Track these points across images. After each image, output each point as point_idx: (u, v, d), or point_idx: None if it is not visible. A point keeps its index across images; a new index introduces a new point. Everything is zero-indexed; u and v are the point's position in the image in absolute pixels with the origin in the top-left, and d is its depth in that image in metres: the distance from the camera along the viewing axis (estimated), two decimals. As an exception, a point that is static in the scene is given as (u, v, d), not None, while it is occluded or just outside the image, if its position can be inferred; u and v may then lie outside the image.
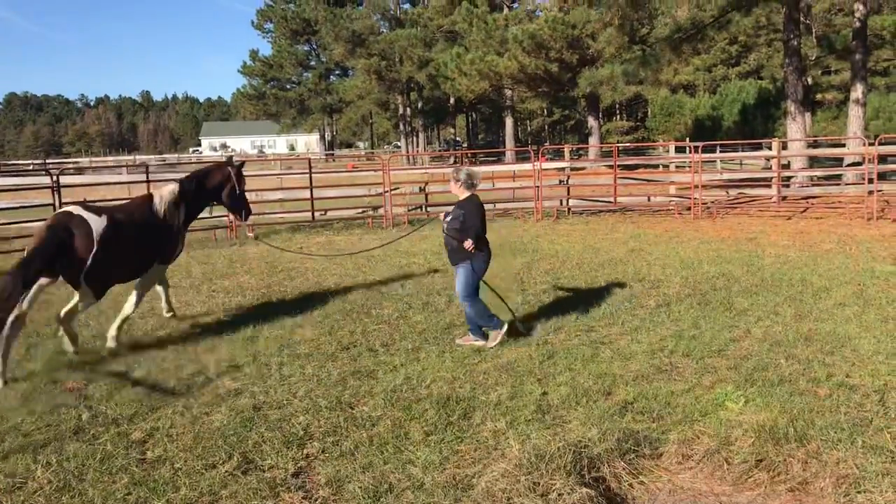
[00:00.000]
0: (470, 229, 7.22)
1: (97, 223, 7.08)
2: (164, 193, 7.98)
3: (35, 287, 6.79)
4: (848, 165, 22.47)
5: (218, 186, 8.49)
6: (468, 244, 7.18)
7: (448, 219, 7.49)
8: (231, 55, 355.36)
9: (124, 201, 9.52)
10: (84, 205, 7.64)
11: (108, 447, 5.13)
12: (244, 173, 8.73)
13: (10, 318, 6.53)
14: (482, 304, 7.44)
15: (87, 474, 4.74)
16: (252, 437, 5.22)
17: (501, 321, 7.47)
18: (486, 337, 7.41)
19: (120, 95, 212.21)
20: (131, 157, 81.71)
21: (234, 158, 9.09)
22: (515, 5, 47.89)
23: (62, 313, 7.22)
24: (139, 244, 7.59)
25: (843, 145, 25.61)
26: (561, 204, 20.07)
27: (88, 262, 6.94)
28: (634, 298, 9.22)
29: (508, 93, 50.53)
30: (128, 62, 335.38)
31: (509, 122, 54.19)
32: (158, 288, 8.52)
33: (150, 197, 8.07)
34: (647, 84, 38.48)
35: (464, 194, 7.50)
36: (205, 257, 13.75)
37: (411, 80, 59.56)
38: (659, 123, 59.86)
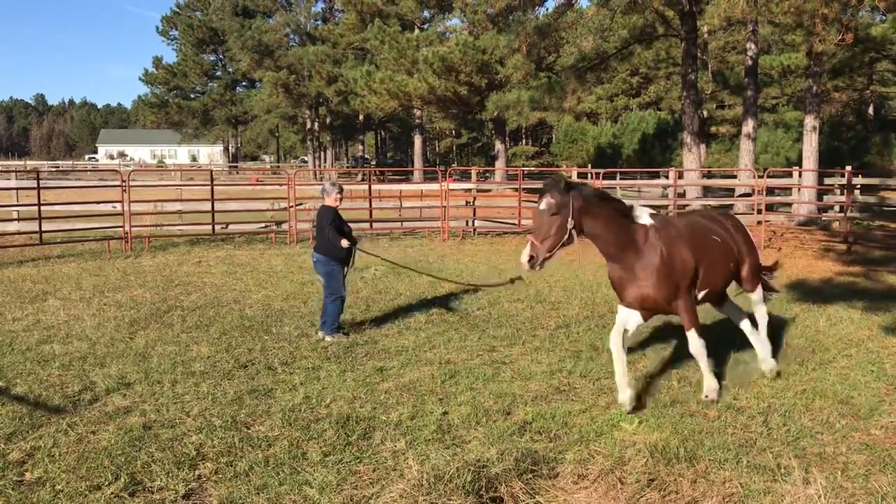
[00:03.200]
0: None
1: None
2: None
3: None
4: (739, 196, 23.55)
5: None
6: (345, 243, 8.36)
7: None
8: (133, 62, 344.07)
9: None
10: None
11: (-17, 468, 4.82)
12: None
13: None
14: (340, 306, 8.54)
15: (-43, 498, 4.43)
16: (141, 458, 5.01)
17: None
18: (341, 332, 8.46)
19: (11, 97, 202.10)
20: (22, 163, 77.92)
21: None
22: (427, 26, 48.32)
23: None
24: None
25: (735, 177, 26.86)
26: (467, 224, 20.26)
27: None
28: (535, 319, 9.36)
29: (418, 113, 50.85)
30: (21, 62, 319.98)
31: (418, 141, 54.45)
32: None
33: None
34: (552, 110, 39.49)
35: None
36: (97, 269, 13.19)
37: (320, 95, 59.10)
38: (563, 149, 61.38)
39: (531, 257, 5.73)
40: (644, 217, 6.21)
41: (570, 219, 5.76)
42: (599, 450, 5.20)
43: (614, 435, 5.47)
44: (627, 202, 6.35)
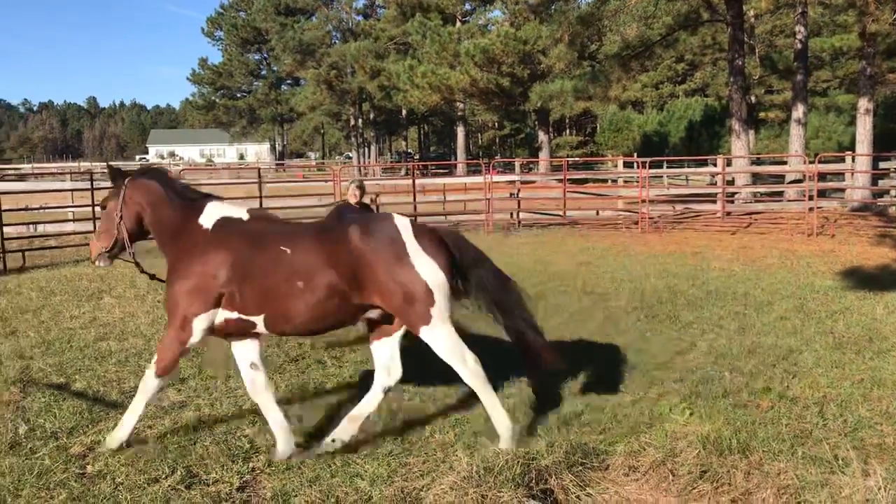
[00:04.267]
0: None
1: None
2: None
3: None
4: (789, 183, 23.10)
5: None
6: None
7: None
8: (180, 63, 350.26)
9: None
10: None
11: (47, 461, 4.97)
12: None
13: None
14: None
15: (23, 490, 4.58)
16: (196, 451, 5.11)
17: None
18: None
19: (65, 101, 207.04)
20: (76, 164, 79.86)
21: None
22: (468, 19, 48.22)
23: None
24: None
25: (785, 163, 26.33)
26: (511, 217, 20.22)
27: None
28: (583, 311, 9.31)
29: (460, 105, 50.80)
30: (74, 67, 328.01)
31: (461, 134, 54.41)
32: None
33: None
34: (596, 100, 39.08)
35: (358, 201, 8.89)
36: (149, 267, 13.45)
37: (363, 91, 59.44)
38: (607, 139, 60.73)
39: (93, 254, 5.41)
40: (213, 215, 5.17)
41: (117, 212, 5.24)
42: (650, 442, 5.15)
43: (665, 427, 5.41)
44: (212, 197, 5.33)
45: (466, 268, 5.34)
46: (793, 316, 8.82)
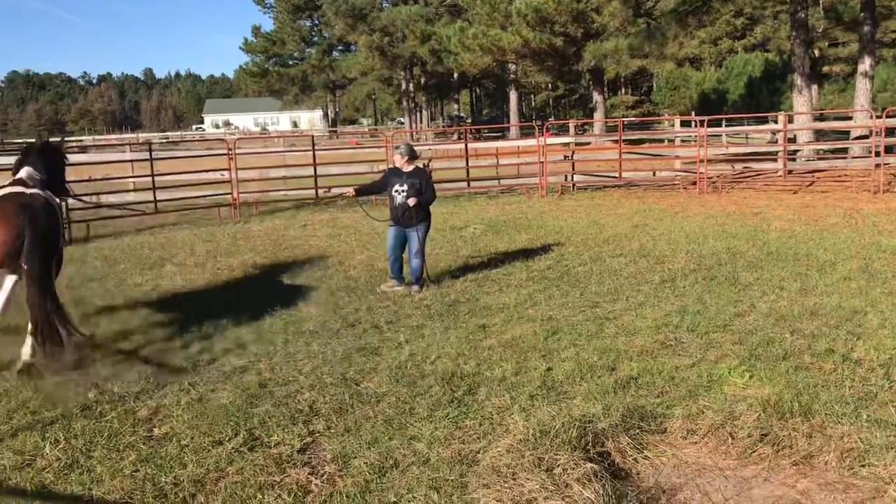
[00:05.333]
0: (426, 193, 8.81)
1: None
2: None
3: None
4: (855, 139, 22.32)
5: None
6: (412, 201, 8.63)
7: (403, 188, 8.77)
8: (234, 31, 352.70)
9: None
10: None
11: (115, 424, 5.16)
12: None
13: None
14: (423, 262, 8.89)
15: (94, 451, 4.76)
16: (258, 414, 5.24)
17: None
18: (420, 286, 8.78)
19: (123, 73, 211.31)
20: (134, 136, 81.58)
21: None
22: (519, -21, 47.42)
23: None
24: None
25: (851, 118, 25.43)
26: (566, 179, 20.01)
27: None
28: (639, 274, 9.21)
29: (512, 67, 50.20)
30: (130, 39, 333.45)
31: (513, 96, 53.88)
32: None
33: None
34: (652, 58, 38.13)
35: (410, 166, 8.90)
36: (209, 235, 13.76)
37: (414, 55, 59.11)
38: (664, 98, 59.47)
39: None
40: None
41: None
42: (709, 405, 5.10)
43: (724, 389, 5.35)
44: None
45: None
46: (857, 276, 8.58)
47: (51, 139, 8.24)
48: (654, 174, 20.95)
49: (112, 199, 17.25)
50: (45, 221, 6.19)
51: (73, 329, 6.39)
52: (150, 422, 5.24)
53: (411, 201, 8.66)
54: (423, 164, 20.25)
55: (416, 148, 9.60)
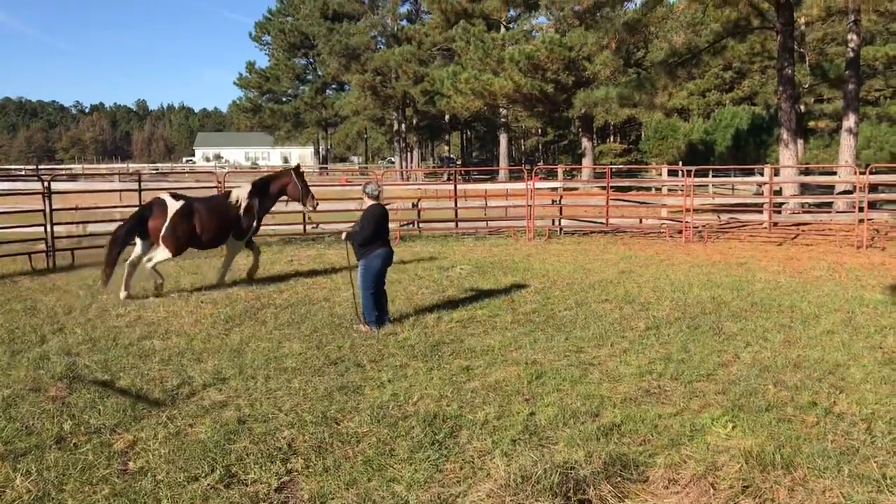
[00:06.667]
0: (361, 231, 8.71)
1: (173, 204, 10.88)
2: (237, 191, 11.71)
3: (139, 243, 11.01)
4: (839, 193, 22.61)
5: (283, 185, 12.08)
6: (343, 235, 9.03)
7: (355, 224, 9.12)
8: (228, 67, 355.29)
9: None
10: (170, 192, 11.41)
11: (90, 457, 5.07)
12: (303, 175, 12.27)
13: (128, 266, 10.75)
14: (370, 300, 8.71)
15: (67, 484, 4.67)
16: (235, 451, 5.17)
17: (379, 321, 8.75)
18: (376, 326, 8.69)
19: (115, 103, 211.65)
20: (124, 166, 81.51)
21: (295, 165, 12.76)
22: (513, 25, 48.17)
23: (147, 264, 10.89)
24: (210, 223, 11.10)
25: (835, 173, 25.78)
26: (553, 223, 20.11)
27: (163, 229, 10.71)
28: (624, 320, 9.21)
29: (503, 111, 50.74)
30: (124, 70, 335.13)
31: (503, 140, 54.36)
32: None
33: (228, 193, 11.89)
34: (641, 107, 38.69)
35: (366, 203, 8.97)
36: (194, 267, 13.69)
37: (406, 95, 59.73)
38: (652, 146, 60.10)
39: None
40: None
41: None
42: (691, 454, 5.07)
43: (706, 439, 5.33)
44: None
45: None
46: (840, 330, 8.62)
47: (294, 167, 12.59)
48: (640, 221, 21.10)
49: (98, 228, 17.16)
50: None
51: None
52: (126, 455, 5.15)
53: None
54: (413, 204, 20.33)
55: (383, 187, 9.83)
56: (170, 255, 10.85)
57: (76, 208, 16.63)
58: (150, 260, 10.86)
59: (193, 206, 11.03)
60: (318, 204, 12.38)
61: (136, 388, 6.57)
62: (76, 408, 6.01)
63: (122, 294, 10.56)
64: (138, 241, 10.97)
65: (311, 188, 12.33)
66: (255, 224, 11.88)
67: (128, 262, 10.83)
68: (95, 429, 5.57)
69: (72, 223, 16.47)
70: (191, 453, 5.10)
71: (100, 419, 5.75)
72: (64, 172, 44.52)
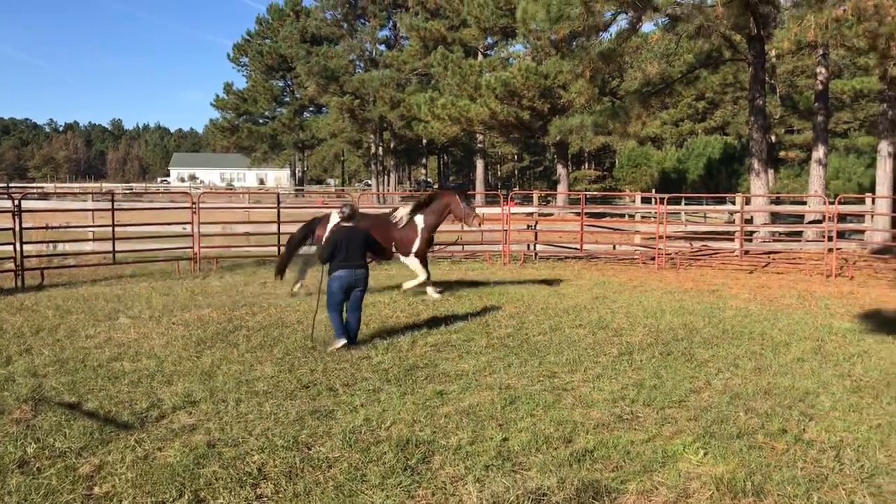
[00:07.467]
0: (318, 251, 9.29)
1: (335, 218, 12.14)
2: (401, 209, 13.09)
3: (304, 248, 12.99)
4: (809, 223, 22.97)
5: (446, 204, 12.89)
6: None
7: None
8: (205, 88, 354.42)
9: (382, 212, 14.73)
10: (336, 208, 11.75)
11: (54, 482, 4.97)
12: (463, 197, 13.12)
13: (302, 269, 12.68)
14: (336, 319, 8.91)
15: (29, 509, 4.57)
16: (204, 475, 5.09)
17: (344, 337, 8.84)
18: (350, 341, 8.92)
19: (90, 122, 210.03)
20: (98, 185, 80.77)
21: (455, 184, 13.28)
22: (490, 53, 48.61)
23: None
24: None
25: (805, 203, 26.19)
26: (528, 248, 20.20)
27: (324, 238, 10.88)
28: (598, 346, 9.25)
29: (480, 137, 51.03)
30: (100, 89, 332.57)
31: (480, 165, 54.61)
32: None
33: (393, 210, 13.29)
34: (615, 135, 39.17)
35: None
36: (167, 289, 13.55)
37: (384, 119, 59.90)
38: (626, 174, 60.81)
39: None
40: None
41: None
42: (663, 481, 5.08)
43: (678, 466, 5.34)
44: None
45: None
46: (810, 358, 8.72)
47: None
48: (614, 248, 21.26)
49: (69, 247, 16.97)
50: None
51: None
52: (92, 479, 5.05)
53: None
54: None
55: (359, 210, 10.86)
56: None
57: (46, 227, 16.43)
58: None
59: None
60: (481, 223, 13.57)
61: (105, 410, 6.47)
62: (41, 430, 5.90)
63: (296, 287, 12.75)
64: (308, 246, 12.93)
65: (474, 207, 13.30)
66: (417, 241, 12.69)
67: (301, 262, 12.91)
68: (60, 452, 5.47)
69: (42, 242, 16.27)
70: (159, 478, 5.02)
71: (65, 442, 5.65)
72: (35, 191, 43.98)
